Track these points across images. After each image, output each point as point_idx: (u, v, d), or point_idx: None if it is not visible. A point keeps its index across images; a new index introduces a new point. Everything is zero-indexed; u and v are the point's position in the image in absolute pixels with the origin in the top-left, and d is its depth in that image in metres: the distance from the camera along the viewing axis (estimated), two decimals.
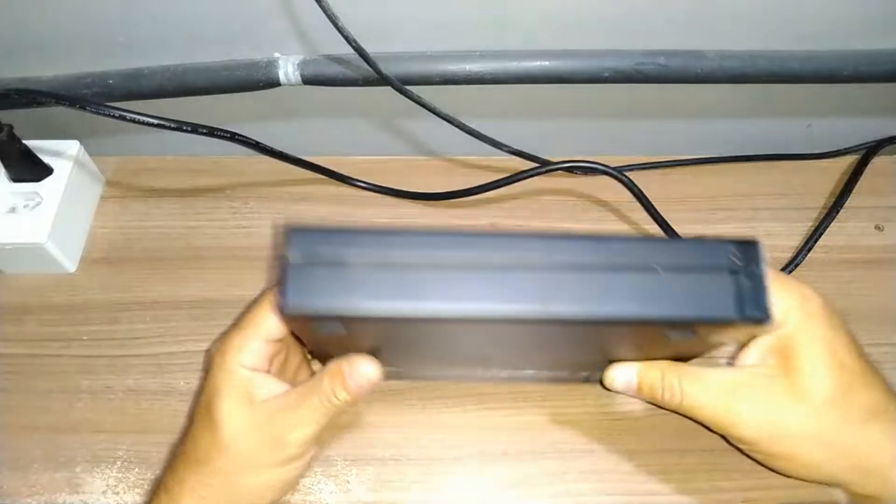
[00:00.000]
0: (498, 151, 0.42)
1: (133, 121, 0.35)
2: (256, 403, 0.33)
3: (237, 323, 0.34)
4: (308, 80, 0.44)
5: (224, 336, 0.34)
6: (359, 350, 0.33)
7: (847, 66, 0.44)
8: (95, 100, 0.35)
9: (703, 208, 0.50)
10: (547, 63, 0.43)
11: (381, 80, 0.39)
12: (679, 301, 0.27)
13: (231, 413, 0.32)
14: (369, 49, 0.37)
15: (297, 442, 0.33)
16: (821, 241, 0.47)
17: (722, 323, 0.28)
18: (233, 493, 0.33)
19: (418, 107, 0.40)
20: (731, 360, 0.36)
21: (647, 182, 0.43)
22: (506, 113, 0.55)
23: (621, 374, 0.36)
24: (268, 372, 0.34)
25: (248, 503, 0.34)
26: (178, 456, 0.34)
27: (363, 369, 0.33)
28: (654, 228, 0.42)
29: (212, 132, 0.37)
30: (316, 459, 0.38)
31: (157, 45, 0.47)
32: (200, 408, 0.34)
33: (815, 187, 0.51)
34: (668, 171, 0.52)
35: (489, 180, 0.42)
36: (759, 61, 0.43)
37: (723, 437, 0.36)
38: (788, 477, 0.35)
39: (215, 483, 0.33)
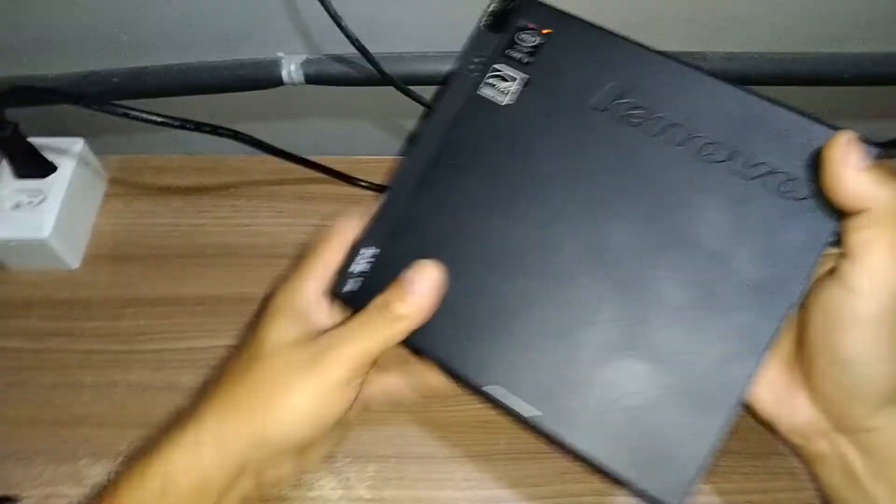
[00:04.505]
0: None
1: (137, 119, 0.35)
2: (309, 323, 0.32)
3: (301, 262, 0.33)
4: (311, 80, 0.44)
5: (289, 274, 0.33)
6: None
7: (849, 69, 0.44)
8: (100, 98, 0.35)
9: None
10: None
11: (384, 79, 0.39)
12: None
13: (279, 327, 0.31)
14: (372, 49, 0.37)
15: (339, 358, 0.29)
16: None
17: None
18: (260, 416, 0.30)
19: (421, 106, 0.40)
20: None
21: None
22: None
23: None
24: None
25: (276, 435, 0.30)
26: (207, 392, 0.31)
27: (426, 271, 0.30)
28: None
29: (215, 130, 0.37)
30: (346, 431, 0.36)
31: (162, 44, 0.48)
32: (249, 332, 0.32)
33: None
34: None
35: None
36: (760, 64, 0.43)
37: None
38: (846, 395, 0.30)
39: (244, 405, 0.30)
